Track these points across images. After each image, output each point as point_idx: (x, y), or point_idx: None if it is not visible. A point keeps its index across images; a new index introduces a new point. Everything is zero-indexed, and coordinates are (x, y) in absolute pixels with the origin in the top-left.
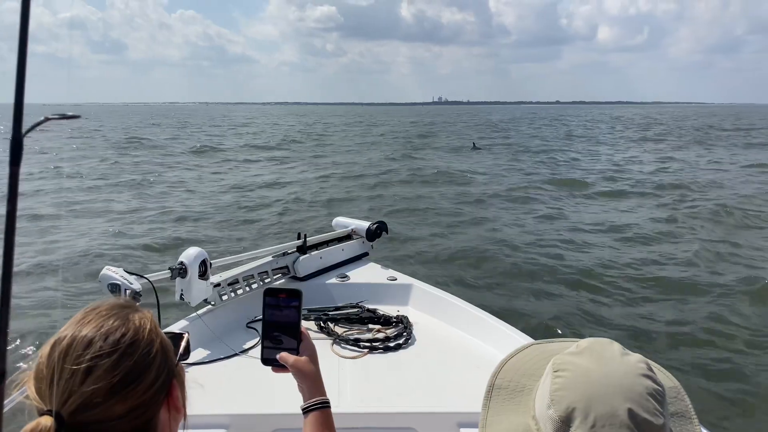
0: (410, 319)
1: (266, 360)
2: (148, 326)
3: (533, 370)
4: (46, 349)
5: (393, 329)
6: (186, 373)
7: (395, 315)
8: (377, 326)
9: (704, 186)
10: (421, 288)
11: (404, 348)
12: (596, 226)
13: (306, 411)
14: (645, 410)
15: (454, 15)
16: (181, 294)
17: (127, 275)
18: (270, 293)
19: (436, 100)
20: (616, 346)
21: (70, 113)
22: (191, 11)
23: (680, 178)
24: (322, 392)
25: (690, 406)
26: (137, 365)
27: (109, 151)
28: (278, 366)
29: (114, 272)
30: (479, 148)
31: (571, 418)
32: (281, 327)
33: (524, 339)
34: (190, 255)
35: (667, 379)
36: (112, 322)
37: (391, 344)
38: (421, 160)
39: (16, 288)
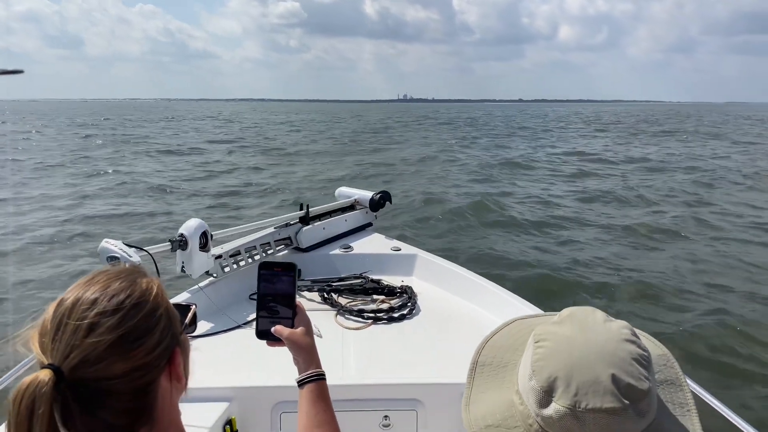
0: (414, 290)
1: (261, 333)
2: (155, 291)
3: (517, 344)
4: (51, 306)
5: (397, 300)
6: (191, 347)
7: (399, 285)
8: (381, 297)
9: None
10: (425, 258)
11: (408, 318)
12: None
13: (301, 383)
14: (629, 375)
15: (418, 12)
16: (182, 266)
17: (126, 248)
18: (265, 266)
19: (401, 97)
20: (599, 314)
21: (11, 69)
22: (151, 5)
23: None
24: (318, 365)
25: (680, 372)
26: (140, 326)
27: None
28: (273, 339)
29: (113, 245)
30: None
31: (554, 388)
32: (276, 300)
33: (529, 308)
34: (190, 227)
35: (655, 347)
36: (118, 284)
37: (396, 315)
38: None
39: None
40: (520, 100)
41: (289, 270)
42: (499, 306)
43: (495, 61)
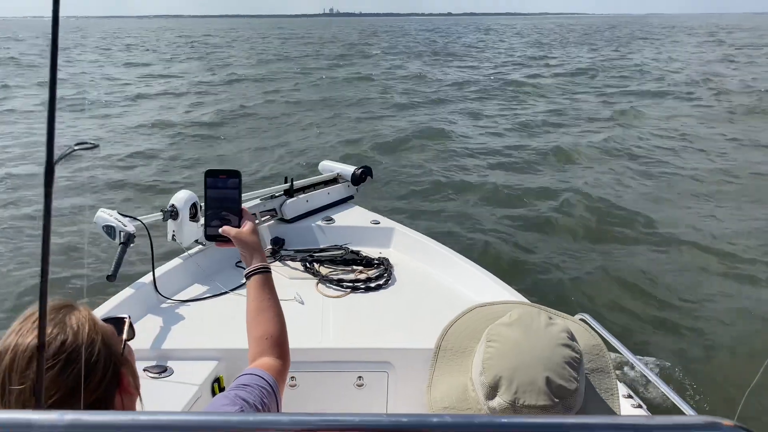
0: (391, 261)
1: (210, 236)
2: (86, 327)
3: (474, 332)
4: None
5: (375, 270)
6: (134, 354)
7: (377, 257)
8: (360, 267)
9: None
10: (402, 232)
11: (384, 288)
12: None
13: (248, 275)
14: (560, 377)
15: None
16: (173, 235)
17: (121, 217)
18: (210, 174)
19: (326, 11)
20: (543, 317)
21: (91, 142)
22: None
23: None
24: (263, 259)
25: (609, 361)
26: (82, 369)
27: None
28: (222, 240)
29: (108, 215)
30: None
31: (498, 385)
32: (222, 205)
33: (493, 281)
34: (180, 198)
35: (590, 337)
36: (50, 330)
37: (372, 285)
38: None
39: None
40: (450, 14)
41: (234, 176)
42: (467, 278)
43: None
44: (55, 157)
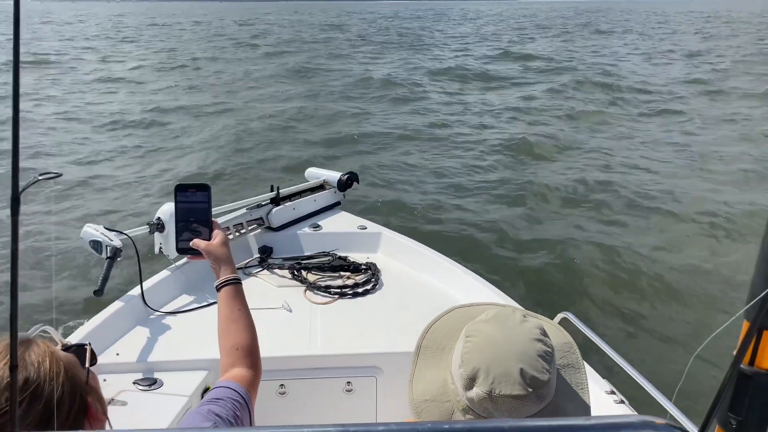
0: (378, 266)
1: (181, 249)
2: (47, 361)
3: (453, 332)
4: None
5: (362, 276)
6: (97, 379)
7: (364, 262)
8: (347, 273)
9: None
10: (389, 236)
11: (372, 293)
12: None
13: (219, 287)
14: (534, 369)
15: None
16: (160, 247)
17: (107, 232)
18: (180, 189)
19: None
20: (518, 314)
21: (54, 172)
22: None
23: None
24: (233, 271)
25: (579, 358)
26: (48, 404)
27: None
28: (193, 253)
29: (95, 229)
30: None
31: (476, 377)
32: (193, 219)
33: (480, 282)
34: (166, 211)
35: (562, 335)
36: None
37: (360, 290)
38: None
39: None
40: None
41: (204, 190)
42: (454, 281)
43: None
44: (20, 187)
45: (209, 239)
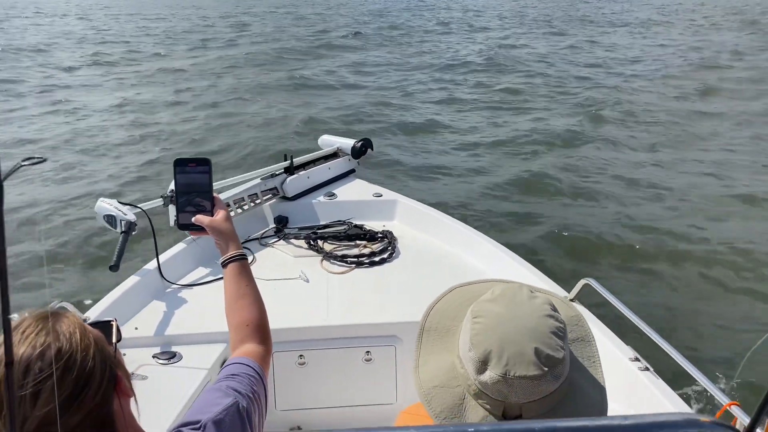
0: (395, 234)
1: (183, 225)
2: (78, 332)
3: (456, 313)
4: None
5: (378, 244)
6: (122, 357)
7: (380, 230)
8: (363, 242)
9: None
10: (405, 203)
11: (389, 262)
12: None
13: (224, 264)
14: (548, 347)
15: None
16: (176, 220)
17: (120, 206)
18: (179, 163)
19: None
20: (525, 290)
21: (38, 157)
22: None
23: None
24: (238, 246)
25: (588, 330)
26: (80, 376)
27: None
28: (195, 229)
29: (108, 204)
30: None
31: (488, 359)
32: (194, 193)
33: (502, 251)
34: None
35: (569, 309)
36: (43, 339)
37: (377, 259)
38: None
39: None
40: None
41: (204, 164)
42: (472, 247)
43: None
44: (3, 174)
45: (212, 214)
